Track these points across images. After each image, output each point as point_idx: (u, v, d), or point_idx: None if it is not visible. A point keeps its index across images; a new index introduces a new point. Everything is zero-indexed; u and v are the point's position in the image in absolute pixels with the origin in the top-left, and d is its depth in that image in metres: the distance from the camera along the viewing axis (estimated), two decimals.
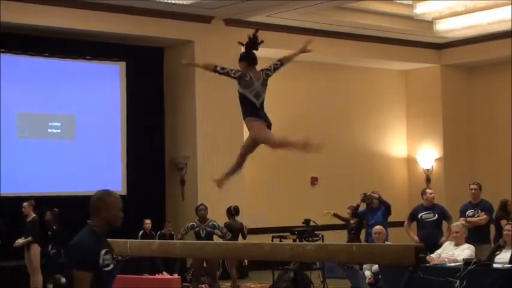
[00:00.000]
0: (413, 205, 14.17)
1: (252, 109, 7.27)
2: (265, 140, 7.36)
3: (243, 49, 7.50)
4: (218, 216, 15.64)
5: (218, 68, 7.30)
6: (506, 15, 17.45)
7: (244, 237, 15.01)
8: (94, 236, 5.19)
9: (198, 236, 12.96)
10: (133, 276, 13.98)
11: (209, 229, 12.95)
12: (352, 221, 14.67)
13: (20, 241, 13.56)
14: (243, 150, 7.57)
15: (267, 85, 7.39)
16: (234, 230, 14.70)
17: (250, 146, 7.52)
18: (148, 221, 15.58)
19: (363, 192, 14.14)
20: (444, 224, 12.84)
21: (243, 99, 7.30)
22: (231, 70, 7.29)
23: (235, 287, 14.01)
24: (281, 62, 7.55)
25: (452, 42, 19.95)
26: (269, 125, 7.35)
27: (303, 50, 7.66)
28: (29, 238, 13.44)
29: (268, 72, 7.43)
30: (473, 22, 18.42)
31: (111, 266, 5.21)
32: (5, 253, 14.07)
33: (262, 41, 7.43)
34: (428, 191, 13.31)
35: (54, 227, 14.23)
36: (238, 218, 15.29)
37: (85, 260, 5.05)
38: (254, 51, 7.42)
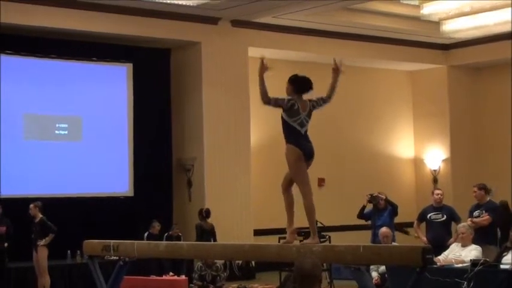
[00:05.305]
0: (421, 206, 14.15)
1: (296, 136, 7.14)
2: (299, 185, 7.31)
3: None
4: (225, 218, 15.68)
5: (272, 102, 7.12)
6: None
7: (214, 240, 15.05)
8: None
9: None
10: (140, 277, 13.97)
11: None
12: None
13: (43, 241, 13.45)
14: (285, 185, 7.43)
15: (311, 116, 7.29)
16: (205, 231, 15.33)
17: (291, 181, 7.36)
18: (156, 224, 15.54)
19: (369, 193, 14.11)
20: (453, 225, 12.80)
21: (287, 126, 7.16)
22: (283, 101, 7.13)
23: None
24: (328, 96, 7.48)
25: (459, 43, 19.91)
26: (310, 154, 7.19)
27: (336, 71, 7.57)
28: (52, 235, 13.37)
29: (315, 104, 7.33)
30: (480, 23, 18.39)
31: None
32: (13, 254, 14.08)
33: (310, 87, 7.34)
34: (435, 191, 13.28)
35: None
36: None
37: None
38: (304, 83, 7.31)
